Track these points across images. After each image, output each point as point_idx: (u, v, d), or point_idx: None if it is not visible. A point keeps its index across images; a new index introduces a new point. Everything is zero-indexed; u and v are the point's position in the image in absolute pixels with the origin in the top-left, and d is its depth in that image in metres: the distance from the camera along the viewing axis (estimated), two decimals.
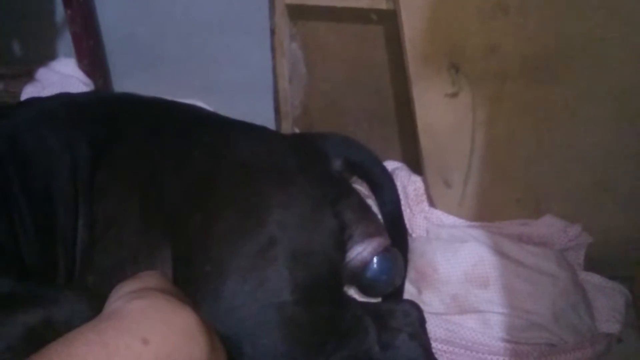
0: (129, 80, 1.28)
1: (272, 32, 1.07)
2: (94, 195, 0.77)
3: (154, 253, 0.75)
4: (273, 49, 1.09)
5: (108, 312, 0.46)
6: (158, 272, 0.54)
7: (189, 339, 0.45)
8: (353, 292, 0.88)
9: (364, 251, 0.82)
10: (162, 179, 0.78)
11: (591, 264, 0.96)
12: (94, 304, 0.53)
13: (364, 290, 0.86)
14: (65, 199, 0.75)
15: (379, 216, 0.92)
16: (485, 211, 0.99)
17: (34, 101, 0.88)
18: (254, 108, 1.15)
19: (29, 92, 1.17)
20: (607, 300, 0.91)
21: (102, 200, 0.77)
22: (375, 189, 0.95)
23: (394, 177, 1.01)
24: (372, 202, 0.95)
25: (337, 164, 0.90)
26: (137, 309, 0.45)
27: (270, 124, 1.17)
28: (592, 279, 0.94)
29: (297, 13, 1.05)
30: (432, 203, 1.01)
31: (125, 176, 0.79)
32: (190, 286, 0.69)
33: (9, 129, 0.77)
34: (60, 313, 0.54)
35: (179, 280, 0.72)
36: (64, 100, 0.87)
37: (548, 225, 0.96)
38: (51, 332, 0.51)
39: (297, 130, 1.16)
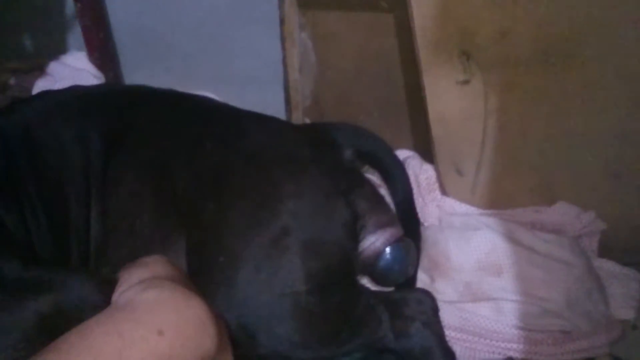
0: (139, 72, 1.28)
1: (282, 22, 1.07)
2: (107, 186, 0.78)
3: (168, 244, 0.76)
4: (283, 39, 1.09)
5: (121, 302, 0.47)
6: (164, 258, 0.54)
7: (201, 329, 0.46)
8: (366, 282, 0.88)
9: (376, 241, 0.82)
10: (174, 170, 0.79)
11: (605, 251, 0.96)
12: (103, 289, 0.54)
13: (377, 280, 0.87)
14: (77, 190, 0.76)
15: (391, 205, 0.92)
16: (498, 199, 0.98)
17: (46, 94, 0.89)
18: (264, 99, 1.15)
19: (40, 86, 1.17)
20: (622, 286, 0.91)
21: (115, 191, 0.78)
22: (387, 178, 0.95)
23: (406, 166, 1.01)
24: (384, 192, 0.95)
25: (348, 154, 0.90)
26: (150, 300, 0.46)
27: (281, 115, 1.17)
28: (606, 266, 0.94)
29: (306, 2, 1.05)
30: (444, 191, 1.01)
31: (137, 168, 0.79)
32: (204, 276, 0.69)
33: (22, 122, 0.78)
34: (70, 298, 0.54)
35: (192, 270, 0.72)
36: (77, 93, 0.88)
37: (561, 213, 0.96)
38: (63, 319, 0.52)
39: (307, 121, 1.16)
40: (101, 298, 0.52)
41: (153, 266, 0.51)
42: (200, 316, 0.47)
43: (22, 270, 0.58)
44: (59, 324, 0.50)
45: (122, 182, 0.78)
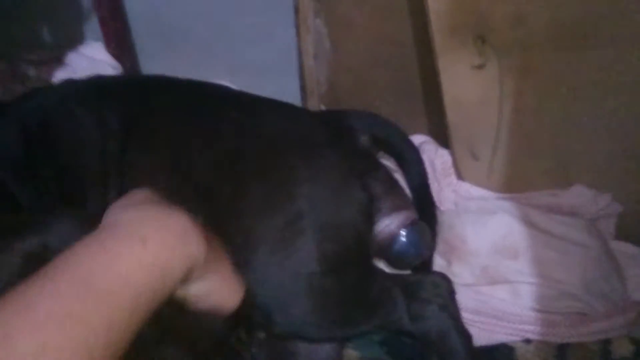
0: (155, 62, 1.29)
1: (296, 9, 1.07)
2: (125, 169, 0.79)
3: None
4: (297, 27, 1.09)
5: (104, 224, 0.48)
6: (147, 189, 0.55)
7: (185, 238, 0.47)
8: (382, 265, 0.89)
9: (391, 224, 0.82)
10: (191, 154, 0.80)
11: (622, 233, 0.95)
12: (89, 224, 0.55)
13: (392, 263, 0.87)
14: (94, 173, 0.78)
15: (407, 190, 0.93)
16: (514, 183, 0.99)
17: (66, 82, 0.91)
18: (279, 86, 1.16)
19: (60, 77, 1.18)
20: (638, 268, 0.90)
21: (133, 174, 0.79)
22: (402, 163, 0.96)
23: (421, 151, 1.01)
24: (399, 177, 0.95)
25: (364, 140, 0.90)
26: (131, 217, 0.47)
27: (297, 102, 1.17)
28: (623, 248, 0.93)
29: None
30: (460, 176, 1.01)
31: (155, 151, 0.81)
32: None
33: (40, 107, 0.80)
34: (56, 237, 0.55)
35: None
36: (95, 80, 0.90)
37: (578, 195, 0.96)
38: (50, 254, 0.53)
39: (323, 107, 1.16)
40: (87, 232, 0.54)
41: (135, 195, 0.52)
42: (182, 224, 0.48)
43: (12, 219, 0.60)
44: (46, 259, 0.52)
45: (140, 165, 0.80)
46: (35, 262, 0.52)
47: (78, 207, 0.75)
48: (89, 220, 0.55)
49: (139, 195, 0.52)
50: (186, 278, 0.47)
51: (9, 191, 0.70)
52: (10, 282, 0.51)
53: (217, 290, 0.52)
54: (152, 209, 0.48)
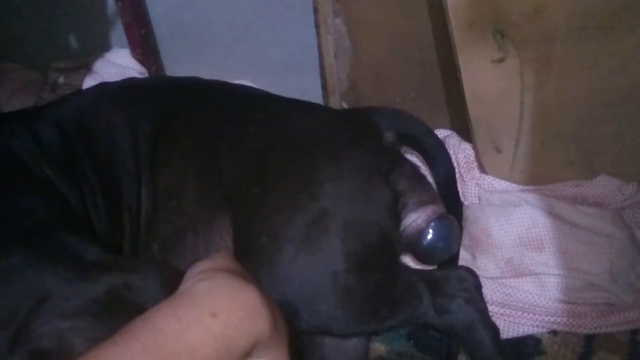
0: (179, 65, 1.32)
1: (316, 9, 1.08)
2: (156, 168, 0.83)
3: (212, 223, 0.80)
4: (317, 26, 1.10)
5: (180, 291, 0.50)
6: (228, 253, 0.57)
7: (253, 313, 0.49)
8: (409, 261, 0.90)
9: (418, 219, 0.83)
10: (218, 154, 0.82)
11: None
12: (167, 277, 0.59)
13: (421, 258, 0.88)
14: (128, 172, 0.82)
15: (433, 185, 0.93)
16: (538, 175, 0.99)
17: (101, 85, 0.95)
18: (301, 85, 1.18)
19: (88, 84, 1.22)
20: None
21: (163, 172, 0.83)
22: (428, 159, 0.96)
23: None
24: (424, 172, 0.95)
25: (389, 136, 0.91)
26: (205, 287, 0.49)
27: (318, 100, 1.19)
28: None
29: None
30: (483, 169, 1.02)
31: (184, 150, 0.84)
32: (249, 256, 0.73)
33: (76, 109, 0.84)
34: (138, 280, 0.58)
35: (238, 250, 0.76)
36: (127, 83, 0.94)
37: (603, 185, 0.95)
38: (129, 293, 0.57)
39: (345, 105, 1.17)
40: (165, 284, 0.57)
41: (215, 261, 0.54)
42: (252, 301, 0.49)
43: (100, 254, 0.63)
44: (125, 295, 0.56)
45: (170, 164, 0.83)
46: (115, 296, 0.56)
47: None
48: (173, 273, 0.59)
49: (218, 260, 0.54)
50: (249, 353, 0.49)
51: (58, 190, 0.74)
52: (89, 310, 0.54)
53: None
54: (226, 281, 0.50)
